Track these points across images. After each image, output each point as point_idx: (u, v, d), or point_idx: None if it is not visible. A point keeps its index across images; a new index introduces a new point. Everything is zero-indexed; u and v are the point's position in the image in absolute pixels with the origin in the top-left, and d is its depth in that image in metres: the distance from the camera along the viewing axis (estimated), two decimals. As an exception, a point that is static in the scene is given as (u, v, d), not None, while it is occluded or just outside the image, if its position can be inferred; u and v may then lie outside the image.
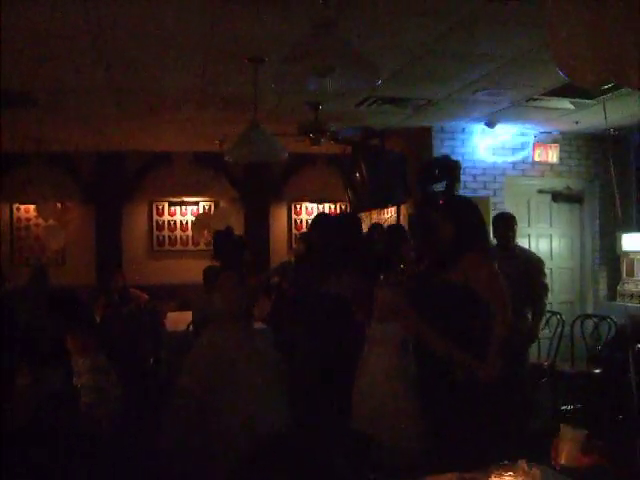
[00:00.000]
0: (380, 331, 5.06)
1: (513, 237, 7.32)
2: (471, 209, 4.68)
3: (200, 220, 11.87)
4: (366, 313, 5.16)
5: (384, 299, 4.97)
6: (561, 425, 3.25)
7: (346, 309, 5.36)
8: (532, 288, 7.09)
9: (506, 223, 7.32)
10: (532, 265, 7.27)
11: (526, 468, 3.14)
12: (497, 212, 8.03)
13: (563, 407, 7.87)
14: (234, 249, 6.48)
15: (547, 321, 8.34)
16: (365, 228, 8.46)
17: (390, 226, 8.99)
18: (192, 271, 11.41)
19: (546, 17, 2.70)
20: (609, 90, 7.18)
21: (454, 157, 9.21)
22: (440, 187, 8.82)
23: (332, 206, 12.77)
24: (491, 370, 4.19)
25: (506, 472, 3.15)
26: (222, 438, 5.56)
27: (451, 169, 8.84)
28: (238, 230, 11.17)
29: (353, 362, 5.22)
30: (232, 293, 6.15)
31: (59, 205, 11.70)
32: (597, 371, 7.80)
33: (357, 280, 5.48)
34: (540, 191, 10.14)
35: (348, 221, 6.38)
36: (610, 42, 2.46)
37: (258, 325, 7.25)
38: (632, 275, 9.64)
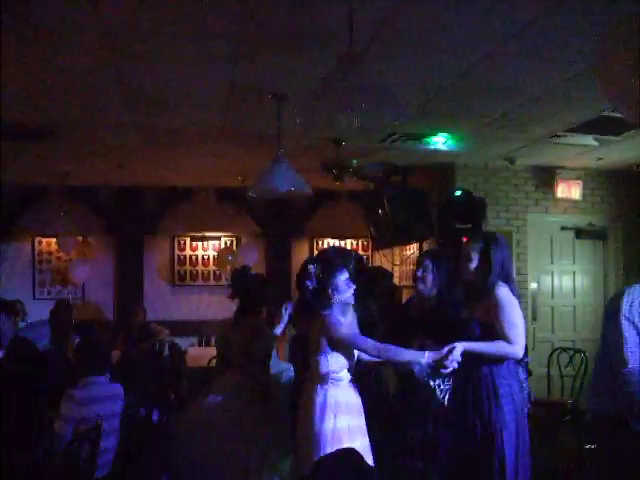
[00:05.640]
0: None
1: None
2: (502, 244, 4.73)
3: (222, 255, 11.86)
4: None
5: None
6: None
7: None
8: None
9: None
10: None
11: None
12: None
13: (587, 446, 7.74)
14: (252, 287, 6.24)
15: (571, 359, 8.47)
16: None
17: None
18: (213, 307, 11.43)
19: (598, 56, 2.87)
20: (633, 127, 7.14)
21: (476, 193, 9.16)
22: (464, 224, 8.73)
23: (354, 242, 12.71)
24: None
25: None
26: None
27: (478, 206, 8.78)
28: (260, 266, 11.21)
29: None
30: (253, 339, 5.93)
31: (80, 238, 11.76)
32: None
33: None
34: (563, 228, 10.06)
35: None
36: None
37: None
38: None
